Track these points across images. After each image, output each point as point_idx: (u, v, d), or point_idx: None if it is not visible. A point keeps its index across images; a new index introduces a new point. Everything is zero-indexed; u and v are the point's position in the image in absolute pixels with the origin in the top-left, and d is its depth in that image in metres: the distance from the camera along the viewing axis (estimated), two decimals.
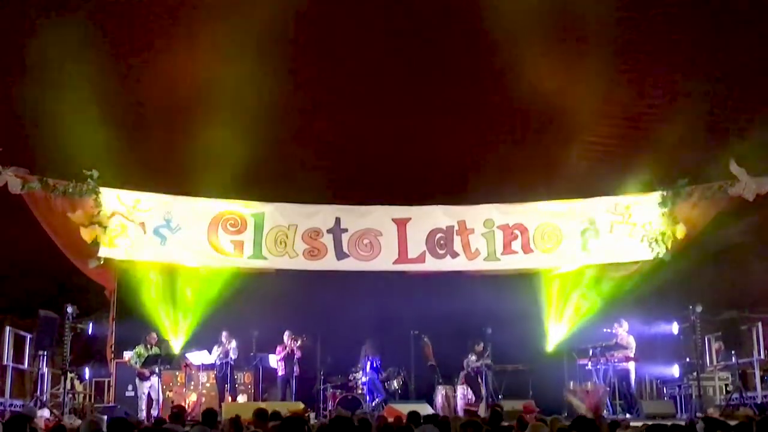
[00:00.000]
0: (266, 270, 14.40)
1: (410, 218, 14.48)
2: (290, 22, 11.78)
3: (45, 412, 12.64)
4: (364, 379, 15.01)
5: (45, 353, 13.98)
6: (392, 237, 14.37)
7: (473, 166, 14.41)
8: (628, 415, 13.45)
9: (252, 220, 14.10)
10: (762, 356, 14.05)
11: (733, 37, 11.98)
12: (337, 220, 14.31)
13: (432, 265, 14.50)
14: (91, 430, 7.16)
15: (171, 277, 14.75)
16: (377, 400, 14.82)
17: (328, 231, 14.23)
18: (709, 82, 12.59)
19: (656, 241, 13.74)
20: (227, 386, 14.65)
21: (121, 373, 14.72)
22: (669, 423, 7.85)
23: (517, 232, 14.41)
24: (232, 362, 14.65)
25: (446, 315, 15.49)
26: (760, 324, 14.36)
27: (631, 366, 14.50)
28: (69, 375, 13.53)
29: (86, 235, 13.01)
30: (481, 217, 14.47)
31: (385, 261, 14.44)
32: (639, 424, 9.90)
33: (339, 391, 15.28)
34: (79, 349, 14.63)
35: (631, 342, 14.56)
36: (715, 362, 15.08)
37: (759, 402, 13.36)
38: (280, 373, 15.08)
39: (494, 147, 14.13)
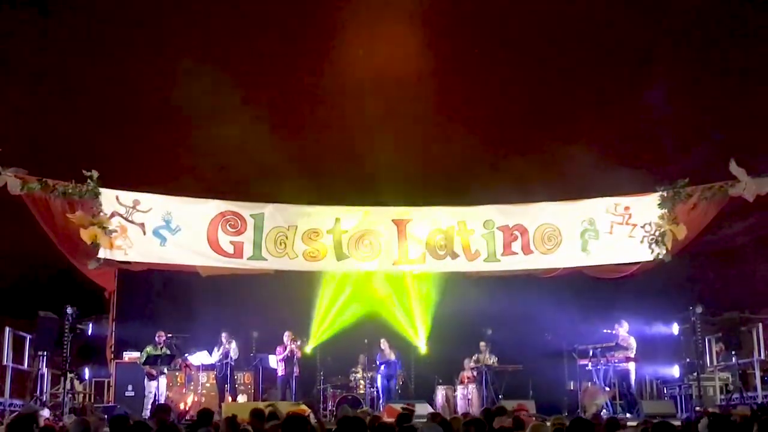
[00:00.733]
0: (266, 271, 14.38)
1: (410, 219, 14.46)
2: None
3: (45, 412, 12.63)
4: (378, 379, 15.13)
5: (45, 354, 13.98)
6: (392, 237, 14.34)
7: (473, 166, 14.42)
8: (628, 415, 13.46)
9: (252, 221, 14.07)
10: (762, 357, 14.06)
11: (733, 37, 12.01)
12: (337, 221, 14.29)
13: (432, 266, 14.48)
14: (80, 429, 7.15)
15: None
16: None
17: (328, 232, 14.21)
18: (709, 82, 12.61)
19: (656, 241, 13.71)
20: (227, 386, 14.67)
21: (121, 374, 14.74)
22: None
23: (517, 233, 14.39)
24: (232, 363, 14.67)
25: (446, 315, 15.54)
26: (760, 325, 14.37)
27: (632, 366, 14.51)
28: (69, 375, 13.52)
29: (86, 236, 12.98)
30: (482, 218, 14.44)
31: (385, 262, 14.42)
32: (634, 423, 9.91)
33: (339, 391, 15.30)
34: (79, 350, 14.62)
35: (632, 342, 14.57)
36: (715, 363, 15.08)
37: (759, 402, 13.36)
38: (280, 373, 15.10)
39: (493, 148, 14.16)
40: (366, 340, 15.76)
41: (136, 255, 13.55)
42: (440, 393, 15.36)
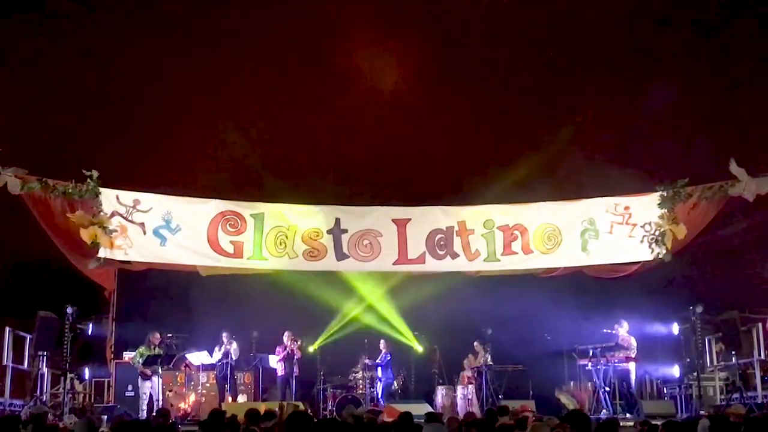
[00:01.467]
0: (266, 270, 14.38)
1: (410, 219, 14.44)
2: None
3: None
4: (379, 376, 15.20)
5: (45, 354, 13.99)
6: (392, 237, 14.32)
7: (473, 166, 14.42)
8: (628, 415, 13.46)
9: (252, 221, 14.06)
10: (762, 356, 14.05)
11: (734, 37, 12.01)
12: (337, 221, 14.27)
13: (432, 265, 14.47)
14: (87, 430, 7.16)
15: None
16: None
17: (328, 231, 14.20)
18: (709, 82, 12.62)
19: (656, 241, 13.70)
20: (227, 386, 14.67)
21: (121, 374, 14.75)
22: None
23: (517, 232, 14.37)
24: (232, 362, 14.67)
25: (446, 315, 15.53)
26: (760, 324, 14.37)
27: (632, 366, 14.51)
28: (69, 375, 13.52)
29: (86, 235, 12.96)
30: (481, 218, 14.43)
31: (384, 262, 14.40)
32: (630, 424, 9.92)
33: (339, 391, 15.31)
34: (79, 350, 14.62)
35: (632, 342, 14.57)
36: (715, 362, 15.08)
37: (759, 402, 13.36)
38: (280, 373, 15.11)
39: (493, 148, 14.16)
40: (366, 340, 15.77)
41: (136, 255, 13.54)
42: (440, 393, 15.35)
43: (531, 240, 14.30)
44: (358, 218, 14.36)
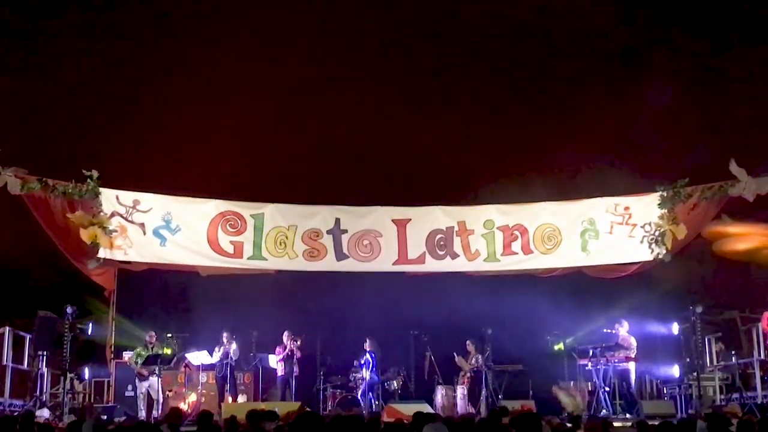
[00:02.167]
0: (266, 271, 14.38)
1: (410, 219, 14.44)
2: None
3: (45, 412, 12.64)
4: (366, 377, 15.09)
5: (44, 353, 13.97)
6: (392, 238, 14.33)
7: (473, 166, 14.43)
8: (627, 415, 13.45)
9: (252, 221, 14.07)
10: (762, 356, 14.04)
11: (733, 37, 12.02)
12: (337, 221, 14.27)
13: (432, 266, 14.47)
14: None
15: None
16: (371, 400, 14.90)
17: (328, 232, 14.20)
18: (709, 82, 12.62)
19: (656, 241, 13.70)
20: (227, 386, 14.65)
21: (121, 373, 14.73)
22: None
23: (517, 233, 14.38)
24: (232, 363, 14.65)
25: (446, 315, 15.50)
26: (760, 324, 14.35)
27: (632, 366, 14.48)
28: (68, 375, 13.51)
29: (86, 235, 12.97)
30: (481, 218, 14.43)
31: (384, 262, 14.40)
32: (628, 424, 9.91)
33: (339, 391, 15.29)
34: (79, 350, 14.60)
35: (632, 342, 14.55)
36: (715, 362, 15.07)
37: (759, 402, 13.35)
38: (280, 373, 15.09)
39: (493, 147, 14.17)
40: (366, 340, 15.74)
41: (135, 255, 13.54)
42: (440, 393, 15.33)
43: (531, 240, 14.30)
44: (358, 218, 14.36)
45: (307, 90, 13.32)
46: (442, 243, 14.39)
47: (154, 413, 13.51)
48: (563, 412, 13.86)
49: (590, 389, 14.31)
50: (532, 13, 12.03)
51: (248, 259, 14.05)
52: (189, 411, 14.67)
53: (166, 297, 15.81)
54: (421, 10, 12.15)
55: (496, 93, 13.26)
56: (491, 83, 13.14)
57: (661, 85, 12.69)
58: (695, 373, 13.84)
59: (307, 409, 13.01)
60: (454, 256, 14.39)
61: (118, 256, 13.38)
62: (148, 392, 13.92)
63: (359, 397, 15.10)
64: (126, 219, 13.36)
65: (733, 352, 14.52)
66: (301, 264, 14.17)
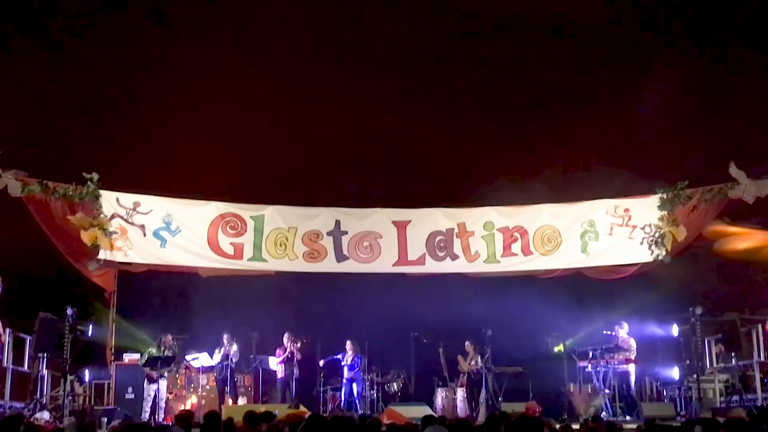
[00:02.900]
0: (266, 272, 14.39)
1: (410, 221, 14.45)
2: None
3: (45, 414, 12.65)
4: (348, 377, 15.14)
5: (45, 355, 13.98)
6: (392, 239, 14.34)
7: (473, 168, 14.44)
8: (628, 417, 13.46)
9: (252, 223, 14.08)
10: (762, 358, 14.05)
11: (734, 38, 12.02)
12: (337, 223, 14.28)
13: (432, 267, 14.48)
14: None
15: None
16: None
17: (328, 233, 14.21)
18: (709, 84, 12.63)
19: (656, 243, 13.72)
20: (227, 388, 14.65)
21: (121, 376, 14.73)
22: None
23: (516, 234, 14.39)
24: (232, 365, 14.66)
25: (446, 317, 15.51)
26: (760, 326, 14.35)
27: (632, 368, 14.51)
28: (69, 377, 13.52)
29: (86, 237, 12.98)
30: (481, 220, 14.44)
31: (384, 263, 14.41)
32: (633, 426, 9.92)
33: (339, 392, 15.29)
34: (79, 352, 14.61)
35: (632, 344, 14.57)
36: (715, 364, 15.07)
37: (759, 404, 13.35)
38: (280, 375, 15.09)
39: (493, 149, 14.18)
40: (366, 342, 15.75)
41: (136, 256, 13.55)
42: (440, 395, 15.33)
43: (531, 242, 14.31)
44: (359, 220, 14.37)
45: (307, 91, 13.32)
46: (442, 244, 14.39)
47: (155, 416, 13.53)
48: (563, 414, 13.89)
49: (590, 391, 14.31)
50: (532, 13, 12.03)
51: (248, 260, 14.05)
52: (194, 414, 14.67)
53: (166, 298, 15.82)
54: (420, 11, 12.15)
55: (497, 94, 13.26)
56: (491, 85, 13.14)
57: (661, 88, 12.71)
58: (695, 375, 13.85)
59: (302, 407, 13.04)
60: (454, 257, 14.40)
61: (119, 257, 13.39)
62: (155, 394, 13.93)
63: (342, 404, 15.11)
64: (126, 221, 13.37)
65: (732, 354, 14.51)
66: (301, 266, 14.18)
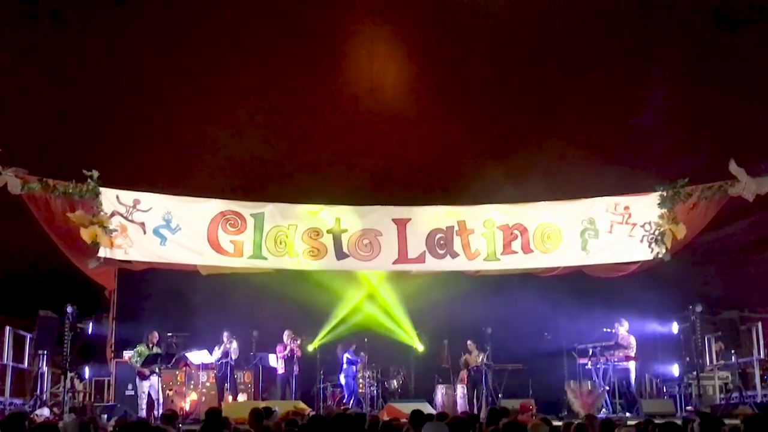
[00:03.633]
0: (266, 270, 14.39)
1: (410, 218, 14.44)
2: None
3: (45, 411, 12.67)
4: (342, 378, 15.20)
5: (45, 353, 14.00)
6: (392, 237, 14.33)
7: (473, 165, 14.42)
8: (627, 414, 13.48)
9: (252, 220, 14.07)
10: (762, 356, 14.08)
11: (734, 36, 12.01)
12: (337, 220, 14.29)
13: (432, 265, 14.48)
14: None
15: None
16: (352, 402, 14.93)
17: (328, 231, 14.22)
18: (709, 81, 12.62)
19: (656, 241, 13.72)
20: (227, 385, 14.68)
21: (121, 373, 14.77)
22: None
23: (516, 232, 14.38)
24: (232, 362, 14.68)
25: (446, 315, 15.53)
26: (760, 324, 14.39)
27: (631, 365, 14.53)
28: (69, 374, 13.54)
29: (86, 235, 12.97)
30: (481, 218, 14.44)
31: (384, 261, 14.41)
32: (633, 423, 9.93)
33: (339, 389, 15.33)
34: (79, 349, 14.64)
35: (632, 341, 14.59)
36: (714, 361, 15.11)
37: (759, 401, 13.38)
38: (280, 372, 15.12)
39: (493, 147, 14.16)
40: (366, 339, 15.78)
41: (136, 254, 13.55)
42: (440, 392, 15.36)
43: (531, 239, 14.31)
44: (359, 218, 14.37)
45: (307, 90, 13.30)
46: (442, 242, 14.39)
47: (156, 413, 13.55)
48: (563, 411, 13.92)
49: (589, 389, 14.34)
50: (532, 14, 12.01)
51: (248, 258, 14.05)
52: (190, 410, 14.71)
53: (166, 296, 15.82)
54: (419, 7, 12.13)
55: (497, 92, 13.22)
56: (491, 82, 13.11)
57: (661, 84, 12.69)
58: (695, 372, 13.87)
59: (303, 405, 13.06)
60: (454, 255, 14.40)
61: (119, 255, 13.39)
62: (149, 391, 13.95)
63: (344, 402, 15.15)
64: (126, 218, 13.36)
65: (732, 352, 14.54)
66: (301, 263, 14.19)
